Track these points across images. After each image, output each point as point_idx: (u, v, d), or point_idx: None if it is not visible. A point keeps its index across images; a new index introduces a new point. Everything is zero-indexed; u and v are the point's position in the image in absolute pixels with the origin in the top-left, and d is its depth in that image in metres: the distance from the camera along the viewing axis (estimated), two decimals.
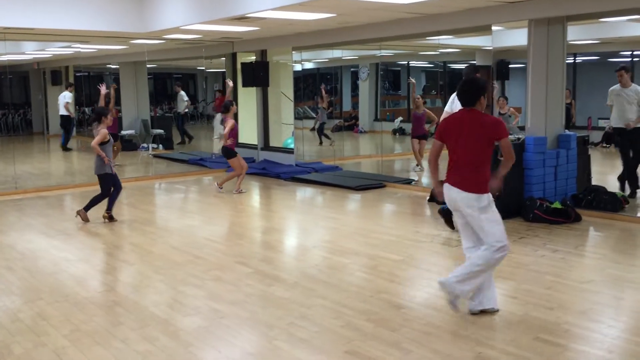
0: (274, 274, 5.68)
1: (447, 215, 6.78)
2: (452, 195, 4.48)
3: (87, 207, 7.85)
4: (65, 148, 16.23)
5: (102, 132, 7.63)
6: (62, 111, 15.86)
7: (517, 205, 7.65)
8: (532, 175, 7.75)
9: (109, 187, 7.80)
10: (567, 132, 8.39)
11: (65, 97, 15.82)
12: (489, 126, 4.36)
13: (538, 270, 5.61)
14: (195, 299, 5.02)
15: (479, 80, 4.57)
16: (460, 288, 4.37)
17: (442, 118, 6.38)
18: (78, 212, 7.88)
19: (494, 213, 4.45)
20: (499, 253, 4.39)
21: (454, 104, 6.32)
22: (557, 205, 7.44)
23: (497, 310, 4.54)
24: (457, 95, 4.58)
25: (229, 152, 9.80)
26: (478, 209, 4.38)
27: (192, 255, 6.32)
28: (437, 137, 4.56)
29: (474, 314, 4.49)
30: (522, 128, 8.67)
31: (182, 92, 17.43)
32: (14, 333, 4.37)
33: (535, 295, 4.90)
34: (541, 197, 7.62)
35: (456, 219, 4.72)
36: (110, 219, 7.89)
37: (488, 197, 4.44)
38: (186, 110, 17.45)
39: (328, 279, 5.48)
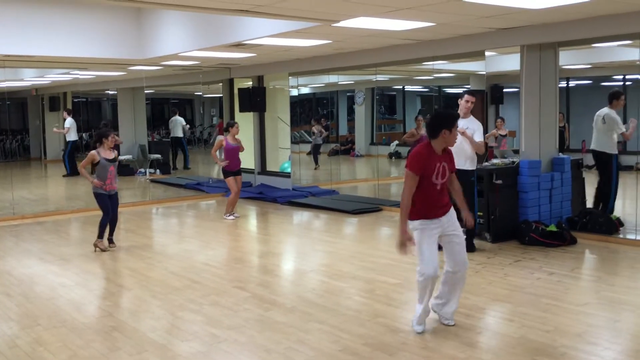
0: (272, 298, 5.70)
1: None
2: None
3: (100, 234, 7.77)
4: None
5: (90, 154, 7.58)
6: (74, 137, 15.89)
7: (512, 228, 7.70)
8: (527, 199, 7.82)
9: (103, 205, 7.67)
10: (561, 155, 8.48)
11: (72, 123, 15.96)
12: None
13: (534, 292, 5.64)
14: (193, 324, 5.03)
15: (442, 114, 4.66)
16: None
17: None
18: (95, 245, 7.78)
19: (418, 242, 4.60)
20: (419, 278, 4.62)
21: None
22: (552, 228, 7.49)
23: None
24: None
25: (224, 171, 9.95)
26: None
27: (190, 280, 6.33)
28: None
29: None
30: (516, 152, 8.75)
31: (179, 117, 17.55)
32: (12, 359, 4.36)
33: (532, 318, 4.93)
34: (537, 220, 7.68)
35: None
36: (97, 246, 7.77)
37: (412, 224, 4.64)
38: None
39: (325, 303, 5.50)
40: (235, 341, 4.61)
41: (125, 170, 16.22)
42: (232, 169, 9.80)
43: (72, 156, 16.03)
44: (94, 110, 21.61)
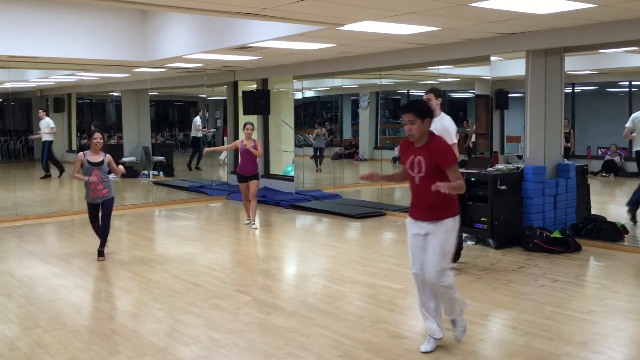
0: (273, 302, 5.66)
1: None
2: None
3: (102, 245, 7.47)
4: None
5: (77, 156, 7.31)
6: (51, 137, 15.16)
7: (516, 235, 7.65)
8: (531, 205, 7.77)
9: (89, 214, 7.41)
10: (566, 161, 8.44)
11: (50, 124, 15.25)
12: None
13: (538, 300, 5.59)
14: (194, 327, 5.00)
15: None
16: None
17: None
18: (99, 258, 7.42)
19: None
20: None
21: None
22: (556, 234, 7.44)
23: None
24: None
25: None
26: None
27: (191, 283, 6.30)
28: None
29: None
30: (520, 157, 8.72)
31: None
32: None
33: (535, 326, 4.88)
34: (541, 227, 7.63)
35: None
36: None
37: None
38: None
39: (327, 307, 5.46)
40: (235, 345, 4.58)
41: (129, 172, 16.23)
42: (246, 173, 9.32)
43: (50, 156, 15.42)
44: (98, 112, 21.65)
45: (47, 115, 15.50)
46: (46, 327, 5.04)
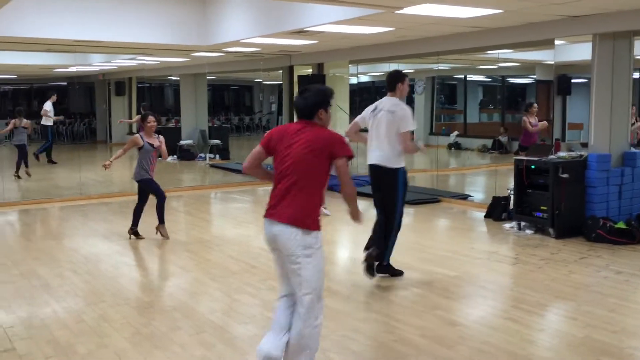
0: (327, 286, 5.68)
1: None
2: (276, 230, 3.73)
3: (161, 220, 7.52)
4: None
5: (130, 138, 7.35)
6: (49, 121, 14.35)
7: (578, 224, 7.42)
8: (594, 194, 7.52)
9: (156, 189, 7.42)
10: (633, 149, 8.11)
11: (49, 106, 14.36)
12: (332, 141, 3.66)
13: (600, 291, 5.42)
14: (251, 307, 5.09)
15: (324, 89, 3.83)
16: None
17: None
18: (159, 231, 7.56)
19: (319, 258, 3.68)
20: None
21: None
22: (621, 225, 7.18)
23: None
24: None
25: None
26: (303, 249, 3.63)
27: (248, 265, 6.41)
28: (264, 144, 3.74)
29: None
30: (584, 145, 8.43)
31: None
32: (78, 334, 4.53)
33: (597, 318, 4.74)
34: (604, 217, 7.38)
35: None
36: (136, 235, 7.56)
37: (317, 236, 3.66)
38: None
39: (382, 292, 5.46)
40: None
41: (186, 154, 16.61)
42: None
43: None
44: (157, 96, 22.19)
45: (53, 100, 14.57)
46: (110, 302, 5.24)
